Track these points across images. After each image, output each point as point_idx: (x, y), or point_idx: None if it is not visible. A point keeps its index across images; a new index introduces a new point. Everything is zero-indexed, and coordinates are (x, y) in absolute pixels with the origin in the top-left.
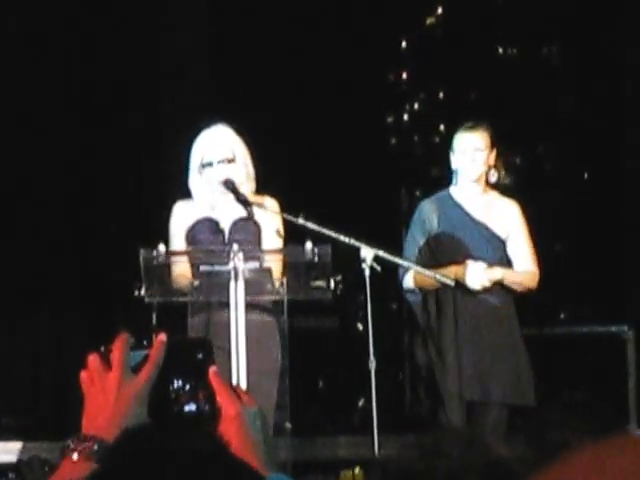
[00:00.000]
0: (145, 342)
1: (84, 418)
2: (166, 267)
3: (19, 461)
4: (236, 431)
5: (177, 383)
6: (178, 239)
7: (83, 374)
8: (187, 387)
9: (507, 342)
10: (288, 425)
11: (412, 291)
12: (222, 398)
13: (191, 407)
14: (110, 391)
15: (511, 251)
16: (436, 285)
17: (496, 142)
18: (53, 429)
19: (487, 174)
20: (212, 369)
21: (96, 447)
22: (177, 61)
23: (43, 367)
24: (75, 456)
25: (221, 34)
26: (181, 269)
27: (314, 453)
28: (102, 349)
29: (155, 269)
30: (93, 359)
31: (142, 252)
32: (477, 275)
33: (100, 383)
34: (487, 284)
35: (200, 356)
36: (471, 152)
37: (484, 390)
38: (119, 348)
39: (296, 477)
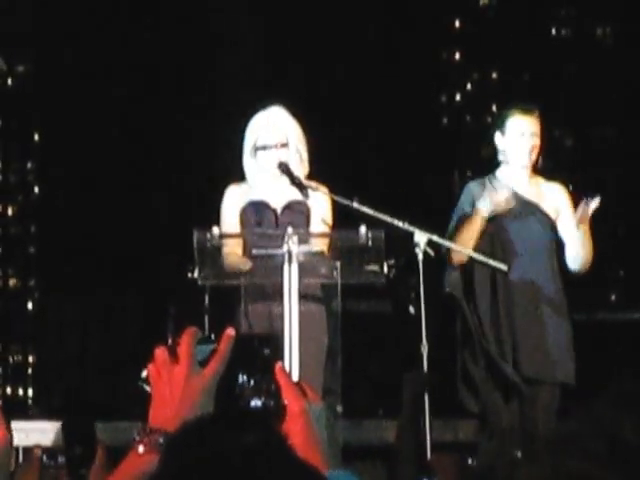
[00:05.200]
0: (212, 336)
1: (151, 410)
2: (219, 249)
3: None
4: (300, 428)
5: (243, 378)
6: (230, 222)
7: (151, 367)
8: (253, 382)
9: (560, 325)
10: (339, 408)
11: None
12: (287, 394)
13: (257, 402)
14: (177, 384)
15: (563, 231)
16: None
17: (548, 124)
18: (102, 409)
19: (536, 160)
20: (278, 365)
21: (162, 440)
22: (232, 40)
23: (93, 348)
24: (141, 448)
25: (276, 15)
26: (233, 252)
27: (364, 436)
28: (170, 342)
29: (208, 251)
30: (161, 352)
31: (196, 234)
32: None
33: (167, 376)
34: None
35: (267, 351)
36: (528, 137)
37: (539, 369)
38: (187, 342)
39: (346, 459)
